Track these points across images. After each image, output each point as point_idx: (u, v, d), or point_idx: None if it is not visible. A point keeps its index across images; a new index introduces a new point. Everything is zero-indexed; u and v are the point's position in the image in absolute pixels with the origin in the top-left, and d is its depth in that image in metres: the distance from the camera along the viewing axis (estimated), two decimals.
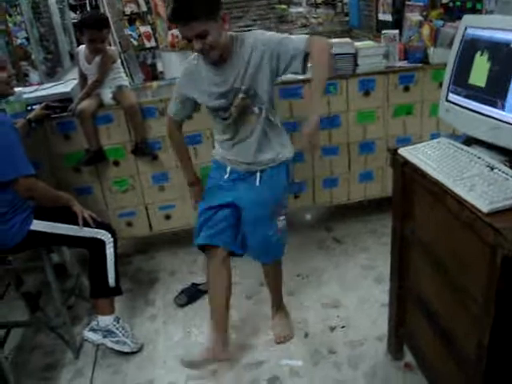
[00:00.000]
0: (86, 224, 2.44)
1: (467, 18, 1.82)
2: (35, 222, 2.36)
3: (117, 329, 2.55)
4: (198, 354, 2.37)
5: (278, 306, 2.70)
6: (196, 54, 2.13)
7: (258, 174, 2.29)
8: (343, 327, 2.63)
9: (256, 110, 2.16)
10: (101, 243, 2.47)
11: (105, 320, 2.55)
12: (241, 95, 2.11)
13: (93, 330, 2.56)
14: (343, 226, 3.58)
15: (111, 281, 2.51)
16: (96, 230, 2.47)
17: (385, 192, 3.40)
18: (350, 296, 2.86)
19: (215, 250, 2.34)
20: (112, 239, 2.50)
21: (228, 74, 2.09)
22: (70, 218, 2.43)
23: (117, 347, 2.56)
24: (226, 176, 2.35)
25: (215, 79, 2.13)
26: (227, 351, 2.43)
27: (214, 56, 2.01)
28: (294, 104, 3.10)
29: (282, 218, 2.36)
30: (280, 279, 2.65)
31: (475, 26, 1.74)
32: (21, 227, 2.34)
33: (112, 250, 2.49)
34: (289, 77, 2.51)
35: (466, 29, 1.78)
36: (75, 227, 2.43)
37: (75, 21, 6.62)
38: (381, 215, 3.55)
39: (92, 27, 2.83)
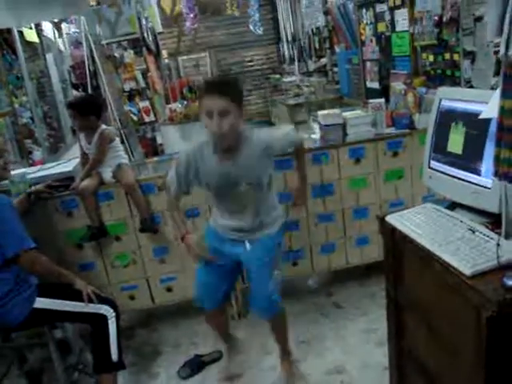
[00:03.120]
0: (89, 300, 2.49)
1: (441, 91, 1.95)
2: (38, 299, 2.42)
3: None
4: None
5: (283, 357, 2.79)
6: (200, 144, 2.31)
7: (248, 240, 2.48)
8: None
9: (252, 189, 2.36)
10: (103, 318, 2.50)
11: None
12: (244, 185, 2.32)
13: None
14: (343, 291, 3.60)
15: (114, 355, 2.52)
16: (99, 305, 2.51)
17: (382, 255, 3.43)
18: (353, 361, 2.86)
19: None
20: (114, 314, 2.54)
21: (235, 166, 2.27)
22: (73, 294, 2.48)
23: None
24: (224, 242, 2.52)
25: (220, 168, 2.28)
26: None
27: (227, 140, 2.18)
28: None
29: (276, 272, 2.48)
30: (281, 333, 2.72)
31: (449, 98, 1.87)
32: (24, 305, 2.39)
33: (114, 324, 2.52)
34: None
35: (440, 101, 1.90)
36: (79, 304, 2.47)
37: None
38: (380, 278, 3.50)
39: (72, 108, 3.08)
